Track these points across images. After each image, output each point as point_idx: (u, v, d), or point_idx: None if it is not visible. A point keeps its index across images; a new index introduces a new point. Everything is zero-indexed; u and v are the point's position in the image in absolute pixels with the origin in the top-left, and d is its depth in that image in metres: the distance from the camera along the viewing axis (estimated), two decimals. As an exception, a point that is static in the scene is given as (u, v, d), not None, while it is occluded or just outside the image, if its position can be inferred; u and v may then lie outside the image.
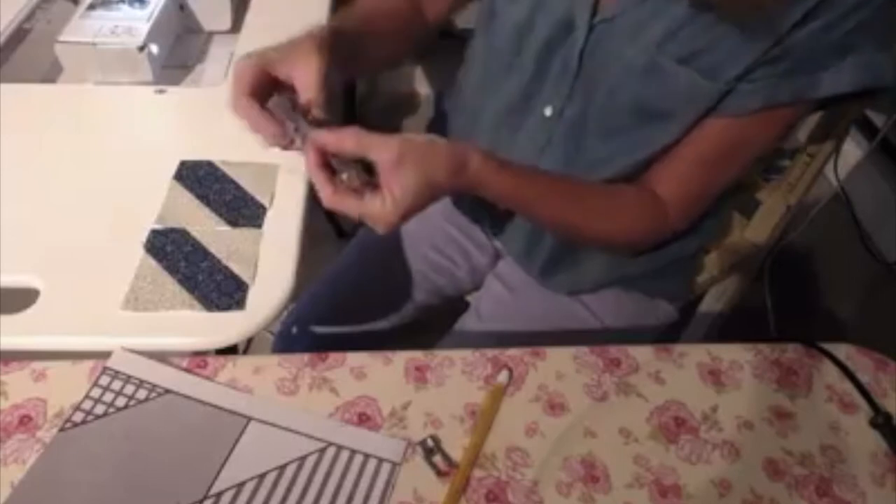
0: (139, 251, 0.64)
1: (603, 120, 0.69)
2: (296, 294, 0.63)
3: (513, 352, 0.60)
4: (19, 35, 0.93)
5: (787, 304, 1.39)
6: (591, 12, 0.66)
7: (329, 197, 0.58)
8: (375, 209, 0.57)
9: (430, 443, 0.53)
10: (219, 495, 0.49)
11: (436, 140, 0.60)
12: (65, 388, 0.55)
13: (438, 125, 0.93)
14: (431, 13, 0.82)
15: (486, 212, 0.88)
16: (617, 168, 0.71)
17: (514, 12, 0.71)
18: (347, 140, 0.57)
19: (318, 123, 0.59)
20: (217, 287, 0.61)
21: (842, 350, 0.62)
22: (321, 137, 0.57)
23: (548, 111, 0.73)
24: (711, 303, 1.16)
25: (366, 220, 0.58)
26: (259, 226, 0.67)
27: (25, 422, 0.53)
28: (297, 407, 0.55)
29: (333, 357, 0.59)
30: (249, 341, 0.86)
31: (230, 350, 0.63)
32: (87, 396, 0.54)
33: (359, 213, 0.58)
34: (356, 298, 0.92)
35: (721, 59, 0.61)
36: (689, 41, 0.61)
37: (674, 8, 0.61)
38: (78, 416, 0.52)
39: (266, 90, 0.61)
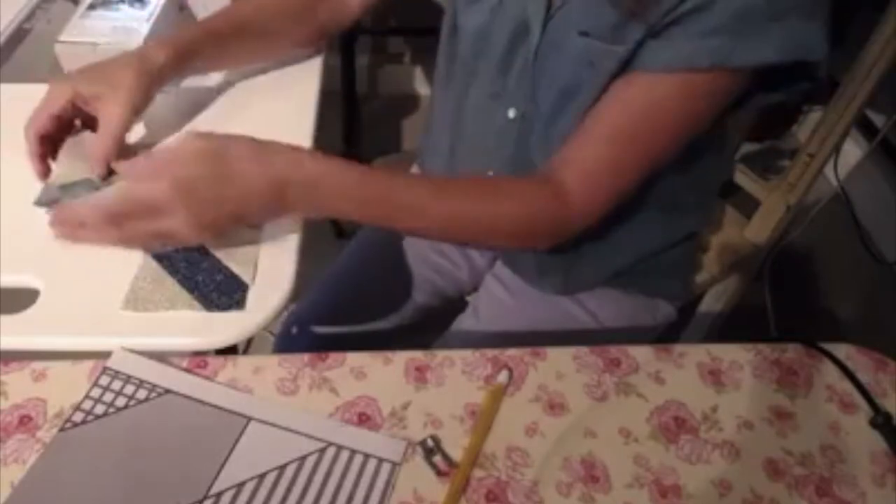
0: (139, 251, 0.64)
1: (545, 115, 0.69)
2: (296, 294, 0.63)
3: (513, 352, 0.60)
4: (19, 35, 0.92)
5: (787, 304, 1.39)
6: (544, 12, 0.66)
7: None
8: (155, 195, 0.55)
9: (430, 443, 0.53)
10: (219, 495, 0.49)
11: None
12: (65, 388, 0.55)
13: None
14: (350, 2, 0.83)
15: None
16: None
17: (474, 19, 0.72)
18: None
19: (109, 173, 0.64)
20: (217, 287, 0.61)
21: (842, 350, 0.62)
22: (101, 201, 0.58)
23: (511, 113, 0.73)
24: (711, 303, 1.16)
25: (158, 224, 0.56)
26: (259, 226, 0.67)
27: (25, 422, 0.53)
28: (297, 407, 0.55)
29: (333, 357, 0.59)
30: (249, 341, 0.85)
31: (230, 350, 0.63)
32: (87, 396, 0.54)
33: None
34: (356, 299, 0.92)
35: (629, 24, 0.59)
36: (608, 18, 0.60)
37: None
38: (78, 416, 0.52)
39: (72, 118, 0.66)
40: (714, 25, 0.57)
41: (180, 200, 0.55)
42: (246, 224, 0.61)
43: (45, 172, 0.68)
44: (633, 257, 0.79)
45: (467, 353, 0.60)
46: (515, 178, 0.69)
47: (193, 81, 0.91)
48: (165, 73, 0.68)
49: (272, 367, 0.58)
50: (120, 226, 0.56)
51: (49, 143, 0.66)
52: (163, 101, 0.81)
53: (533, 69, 0.69)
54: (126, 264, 0.62)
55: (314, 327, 0.90)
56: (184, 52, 0.70)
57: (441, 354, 0.60)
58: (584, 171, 0.63)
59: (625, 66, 0.61)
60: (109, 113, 0.64)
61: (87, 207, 0.56)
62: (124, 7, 0.87)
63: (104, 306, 0.59)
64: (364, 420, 0.55)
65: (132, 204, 0.56)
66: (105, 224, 0.56)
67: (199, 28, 0.75)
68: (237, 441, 0.52)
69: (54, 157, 0.68)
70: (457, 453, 0.53)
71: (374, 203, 0.61)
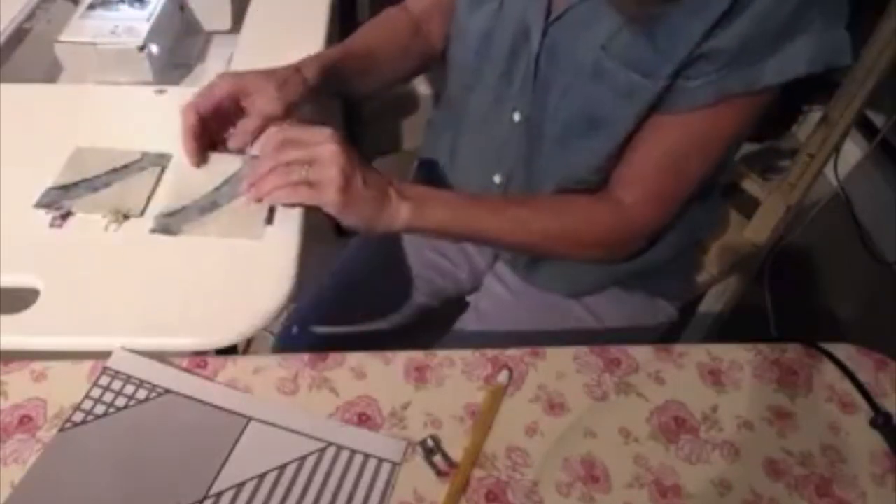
0: (139, 251, 0.64)
1: (559, 124, 0.70)
2: (296, 294, 0.63)
3: (513, 352, 0.60)
4: (19, 35, 0.92)
5: (787, 304, 1.39)
6: (544, 16, 0.66)
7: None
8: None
9: (430, 443, 0.53)
10: (219, 495, 0.49)
11: None
12: (65, 388, 0.55)
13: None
14: (435, 35, 0.83)
15: None
16: (577, 175, 0.72)
17: (477, 24, 0.72)
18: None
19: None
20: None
21: (842, 350, 0.62)
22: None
23: (516, 117, 0.74)
24: (711, 303, 1.16)
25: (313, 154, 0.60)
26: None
27: (25, 422, 0.53)
28: (297, 407, 0.55)
29: (333, 357, 0.59)
30: (249, 341, 0.85)
31: (230, 350, 0.63)
32: (87, 396, 0.54)
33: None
34: (356, 298, 0.92)
35: (656, 56, 0.61)
36: (631, 42, 0.61)
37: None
38: (78, 416, 0.52)
39: (230, 107, 0.69)
40: (741, 52, 0.58)
41: (333, 138, 0.61)
42: (352, 212, 0.63)
43: (194, 150, 0.69)
44: (639, 265, 0.80)
45: (467, 353, 0.60)
46: (584, 196, 0.71)
47: (193, 81, 0.91)
48: (316, 87, 0.71)
49: (272, 367, 0.58)
50: (283, 150, 0.61)
51: (203, 125, 0.69)
52: (162, 101, 0.81)
53: (535, 74, 0.69)
54: (126, 264, 0.62)
55: (314, 327, 0.90)
56: (327, 73, 0.73)
57: (441, 354, 0.60)
58: (644, 194, 0.69)
59: (660, 99, 0.63)
60: (264, 101, 0.68)
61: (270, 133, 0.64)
62: (124, 7, 0.87)
63: (104, 306, 0.59)
64: (364, 420, 0.55)
65: (300, 129, 0.63)
66: (277, 151, 0.62)
67: (338, 53, 0.77)
68: (237, 441, 0.52)
69: (204, 142, 0.70)
70: (457, 453, 0.53)
71: (463, 203, 0.68)
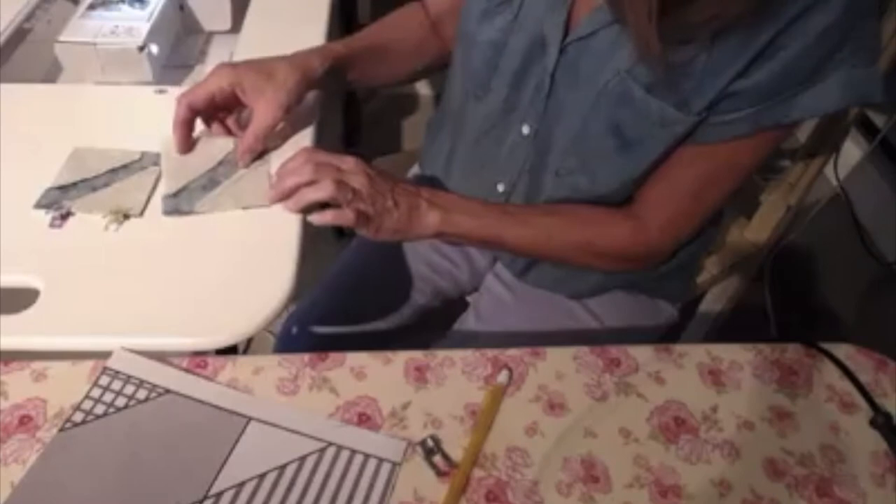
0: (139, 251, 0.64)
1: (579, 143, 0.69)
2: (296, 294, 0.63)
3: (513, 352, 0.60)
4: (19, 35, 0.92)
5: (787, 304, 1.39)
6: (562, 33, 0.66)
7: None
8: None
9: (430, 443, 0.53)
10: (219, 495, 0.49)
11: None
12: (65, 388, 0.55)
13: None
14: (450, 36, 0.83)
15: None
16: (597, 193, 0.72)
17: (488, 32, 0.72)
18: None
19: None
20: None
21: (842, 350, 0.62)
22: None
23: (525, 129, 0.73)
24: (711, 303, 1.16)
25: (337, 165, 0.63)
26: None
27: (25, 422, 0.53)
28: (297, 407, 0.55)
29: (333, 357, 0.59)
30: (249, 341, 0.85)
31: (230, 350, 0.63)
32: (87, 396, 0.54)
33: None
34: (356, 299, 0.92)
35: (688, 90, 0.61)
36: (637, 64, 0.61)
37: None
38: (78, 416, 0.52)
39: (228, 102, 0.71)
40: (773, 91, 0.59)
41: (362, 167, 0.64)
42: (386, 221, 0.65)
43: (185, 139, 0.71)
44: (643, 273, 0.80)
45: (467, 353, 0.60)
46: (606, 210, 0.72)
47: (193, 81, 0.91)
48: (319, 82, 0.72)
49: (272, 367, 0.58)
50: (321, 169, 0.63)
51: (195, 116, 0.71)
52: (162, 101, 0.81)
53: (549, 89, 0.69)
54: (126, 264, 0.62)
55: (314, 327, 0.90)
56: (332, 66, 0.74)
57: (441, 354, 0.60)
58: (667, 216, 0.70)
59: (693, 129, 0.63)
60: (264, 110, 0.68)
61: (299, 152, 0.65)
62: (124, 7, 0.87)
63: (104, 306, 0.59)
64: (364, 420, 0.55)
65: (328, 153, 0.64)
66: (307, 157, 0.64)
67: (343, 46, 0.77)
68: (237, 441, 0.52)
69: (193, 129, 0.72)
70: (457, 453, 0.53)
71: (488, 210, 0.70)
